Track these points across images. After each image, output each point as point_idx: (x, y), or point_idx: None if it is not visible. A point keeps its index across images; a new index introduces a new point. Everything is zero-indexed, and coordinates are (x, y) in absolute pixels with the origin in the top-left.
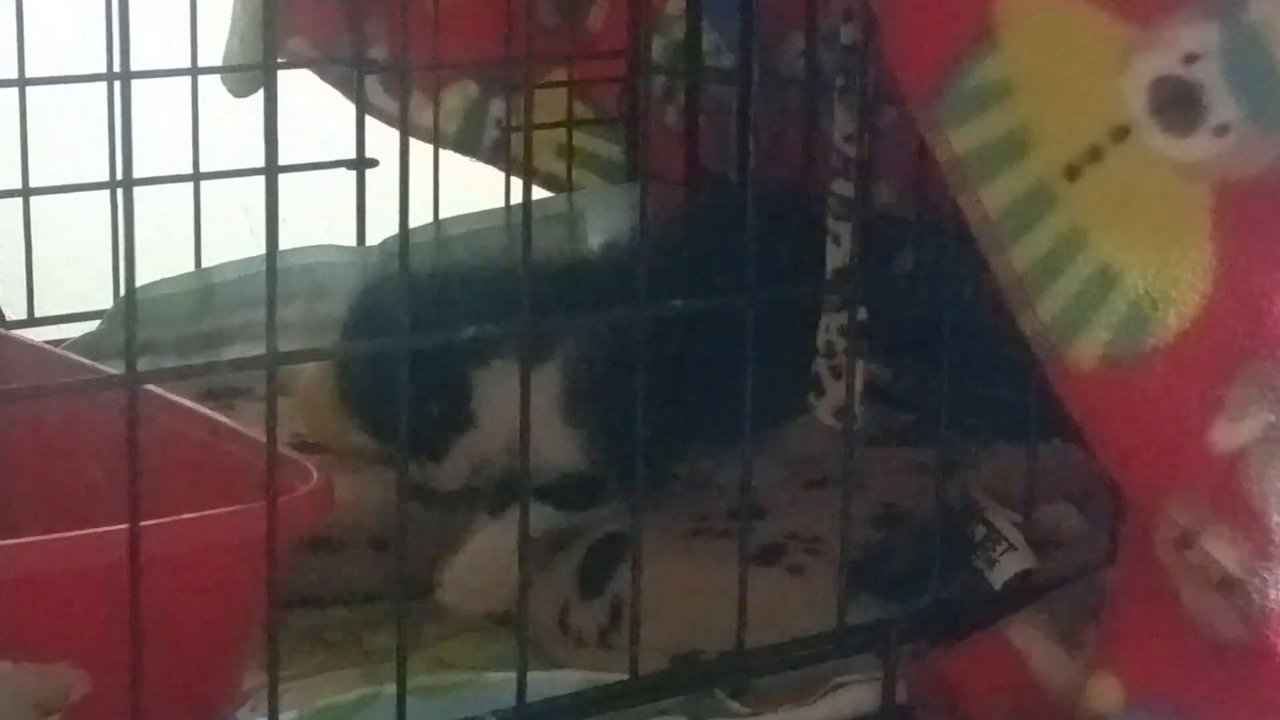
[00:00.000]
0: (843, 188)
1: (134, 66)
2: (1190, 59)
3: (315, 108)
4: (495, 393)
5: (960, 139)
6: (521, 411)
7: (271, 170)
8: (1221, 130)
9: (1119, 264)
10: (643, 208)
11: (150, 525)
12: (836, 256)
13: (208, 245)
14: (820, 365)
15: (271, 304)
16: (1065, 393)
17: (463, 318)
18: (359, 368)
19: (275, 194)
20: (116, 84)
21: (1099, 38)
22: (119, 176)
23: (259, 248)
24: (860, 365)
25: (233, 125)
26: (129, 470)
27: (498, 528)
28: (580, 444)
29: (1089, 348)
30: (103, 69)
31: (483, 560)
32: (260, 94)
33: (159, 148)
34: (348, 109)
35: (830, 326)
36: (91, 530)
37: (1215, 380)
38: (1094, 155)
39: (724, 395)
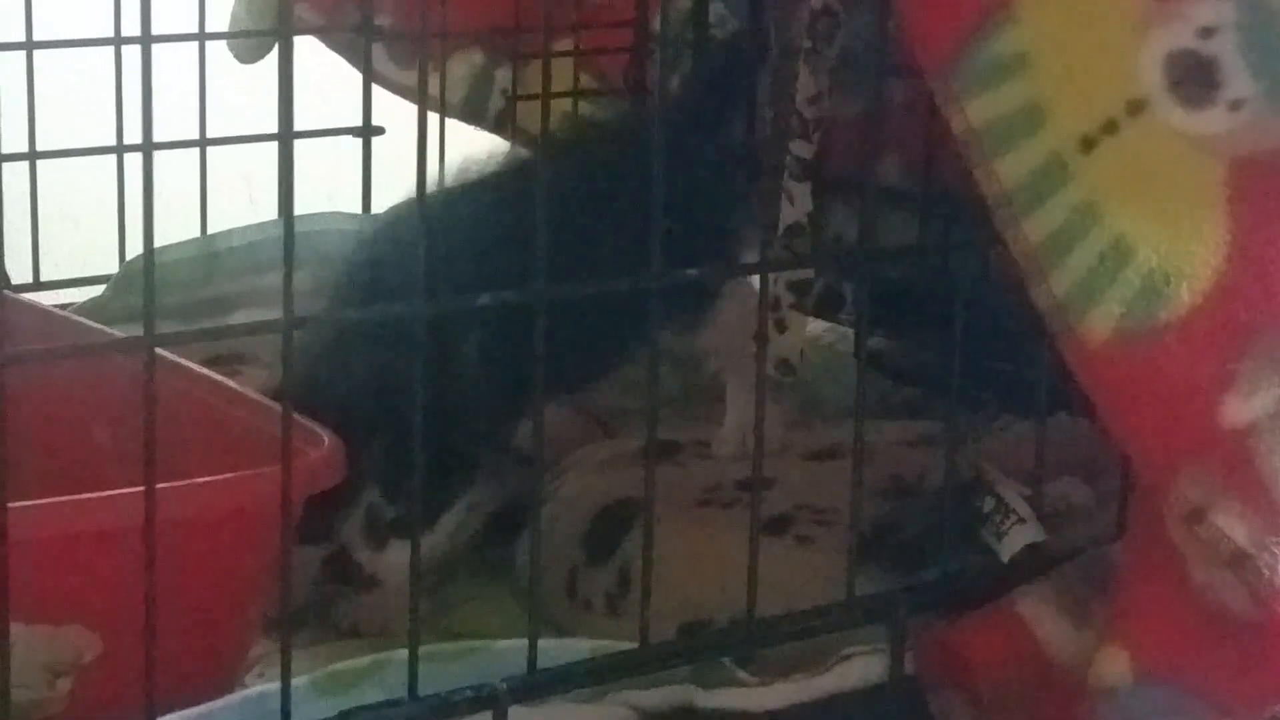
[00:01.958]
0: (801, 149)
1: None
2: (1206, 32)
3: (318, 75)
4: None
5: (976, 111)
6: (534, 378)
7: (286, 136)
8: (1236, 105)
9: (1133, 238)
10: (656, 184)
11: (164, 488)
12: (790, 214)
13: (208, 213)
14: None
15: (288, 267)
16: (1077, 366)
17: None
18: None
19: (290, 159)
20: (124, 48)
21: (1116, 11)
22: (130, 141)
23: (259, 216)
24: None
25: (233, 92)
26: (145, 433)
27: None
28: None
29: (1102, 321)
30: (109, 33)
31: None
32: (262, 62)
33: (160, 113)
34: (349, 77)
35: (778, 280)
36: (106, 493)
37: (1227, 355)
38: (1110, 128)
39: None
